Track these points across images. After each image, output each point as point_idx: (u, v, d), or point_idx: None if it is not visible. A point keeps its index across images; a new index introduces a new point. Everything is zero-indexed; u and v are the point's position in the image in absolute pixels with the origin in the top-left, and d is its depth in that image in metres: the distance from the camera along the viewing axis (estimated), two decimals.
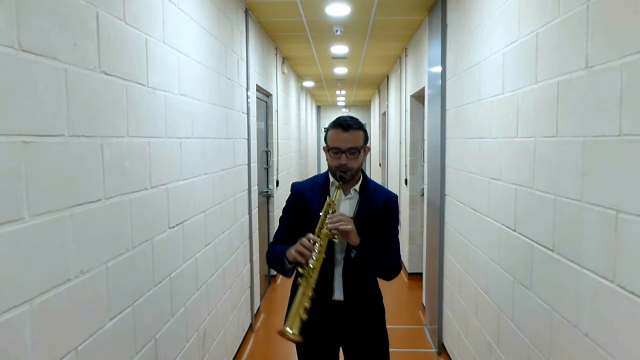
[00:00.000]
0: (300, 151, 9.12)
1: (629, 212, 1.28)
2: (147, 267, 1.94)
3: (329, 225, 1.73)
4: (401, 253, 1.99)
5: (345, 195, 1.93)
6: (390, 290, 4.92)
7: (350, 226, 1.75)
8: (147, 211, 1.93)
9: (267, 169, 5.23)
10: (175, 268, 2.26)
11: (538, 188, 1.87)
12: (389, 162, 7.57)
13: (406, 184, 5.62)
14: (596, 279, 1.44)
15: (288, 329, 1.55)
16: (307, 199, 1.93)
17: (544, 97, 1.80)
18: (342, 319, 1.91)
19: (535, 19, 1.89)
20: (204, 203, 2.72)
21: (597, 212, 1.44)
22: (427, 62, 4.07)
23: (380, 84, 9.30)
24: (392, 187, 6.75)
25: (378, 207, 1.91)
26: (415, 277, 5.40)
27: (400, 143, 5.97)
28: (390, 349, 2.02)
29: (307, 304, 1.62)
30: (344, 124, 1.84)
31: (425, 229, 4.37)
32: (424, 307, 4.43)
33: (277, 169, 5.64)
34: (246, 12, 3.90)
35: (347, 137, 1.83)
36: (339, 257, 1.88)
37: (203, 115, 2.71)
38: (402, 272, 5.72)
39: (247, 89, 3.89)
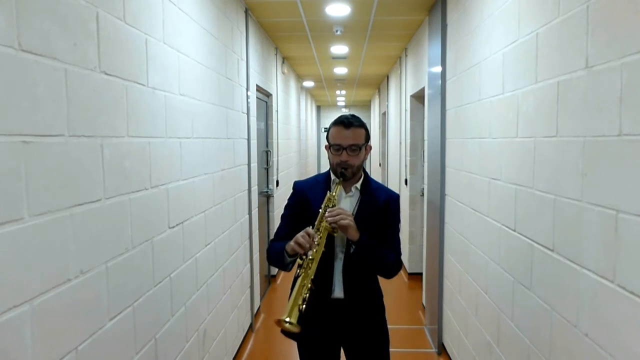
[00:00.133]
0: (300, 151, 9.12)
1: (629, 212, 1.28)
2: (147, 267, 1.94)
3: (329, 219, 1.75)
4: (401, 253, 2.00)
5: (347, 193, 1.94)
6: (390, 290, 4.92)
7: (349, 221, 1.75)
8: (147, 211, 1.93)
9: (267, 169, 5.23)
10: (175, 268, 2.26)
11: (538, 188, 1.87)
12: (389, 162, 7.57)
13: (406, 184, 5.62)
14: (596, 279, 1.44)
15: (285, 318, 1.55)
16: (309, 197, 1.94)
17: (544, 97, 1.80)
18: (342, 318, 1.91)
19: (535, 19, 1.89)
20: (204, 203, 2.72)
21: (597, 212, 1.44)
22: (427, 62, 4.07)
23: (380, 84, 9.30)
24: (392, 187, 6.74)
25: (379, 206, 1.92)
26: (415, 277, 5.40)
27: (400, 143, 5.97)
28: (390, 349, 2.02)
29: (305, 295, 1.62)
30: (346, 122, 1.85)
31: (425, 229, 4.37)
32: (424, 307, 4.43)
33: (277, 169, 5.64)
34: (246, 12, 3.90)
35: (348, 134, 1.84)
36: (339, 252, 1.89)
37: (203, 115, 2.71)
38: (402, 272, 5.74)
39: (247, 89, 3.89)
